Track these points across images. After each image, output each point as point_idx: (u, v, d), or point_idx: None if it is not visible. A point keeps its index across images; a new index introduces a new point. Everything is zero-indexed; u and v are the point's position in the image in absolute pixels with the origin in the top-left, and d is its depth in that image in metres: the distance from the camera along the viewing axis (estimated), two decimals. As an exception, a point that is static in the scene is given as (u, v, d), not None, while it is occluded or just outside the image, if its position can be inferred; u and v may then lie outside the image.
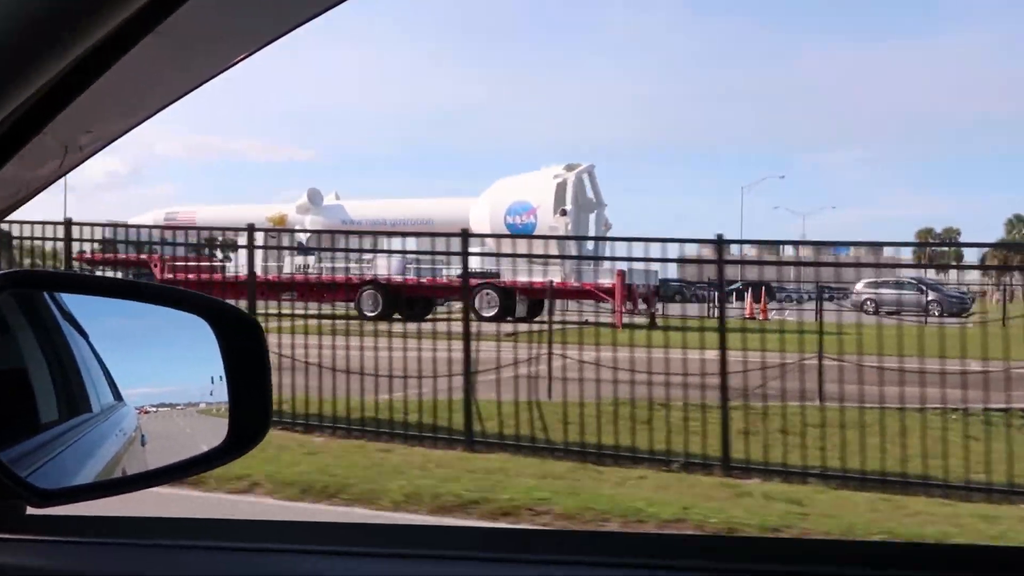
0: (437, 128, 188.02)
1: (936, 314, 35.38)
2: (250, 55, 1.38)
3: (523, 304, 25.70)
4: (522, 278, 24.84)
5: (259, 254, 25.54)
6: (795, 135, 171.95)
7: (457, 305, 26.98)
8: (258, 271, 25.63)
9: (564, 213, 28.28)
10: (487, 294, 25.87)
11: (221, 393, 1.41)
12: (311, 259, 24.33)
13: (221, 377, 1.41)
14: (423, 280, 26.54)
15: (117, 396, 1.40)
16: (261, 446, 1.45)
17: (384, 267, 25.76)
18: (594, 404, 9.14)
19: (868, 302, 34.01)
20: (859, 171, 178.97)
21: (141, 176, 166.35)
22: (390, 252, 25.95)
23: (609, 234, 27.90)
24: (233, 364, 1.40)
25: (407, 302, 26.04)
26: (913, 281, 43.04)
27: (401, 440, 9.59)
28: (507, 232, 25.43)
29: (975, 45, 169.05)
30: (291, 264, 24.10)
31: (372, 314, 24.16)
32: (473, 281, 26.75)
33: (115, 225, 14.99)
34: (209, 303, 1.42)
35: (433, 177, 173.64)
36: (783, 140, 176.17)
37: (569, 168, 29.33)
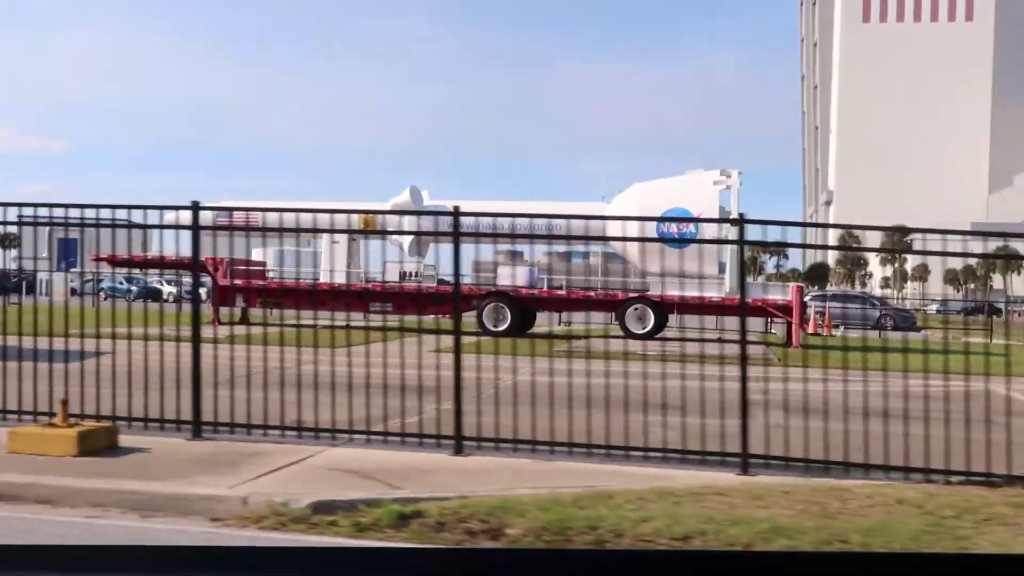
0: (197, 125, 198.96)
1: (888, 327, 33.91)
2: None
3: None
4: (677, 291, 23.82)
5: (341, 257, 24.64)
6: (549, 144, 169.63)
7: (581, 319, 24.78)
8: (339, 279, 24.51)
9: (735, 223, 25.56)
10: (636, 309, 24.37)
11: None
12: (419, 266, 23.15)
13: None
14: (559, 291, 25.37)
15: None
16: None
17: (513, 277, 24.89)
18: None
19: (817, 316, 31.16)
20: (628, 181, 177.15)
21: None
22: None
23: None
24: None
25: (528, 315, 25.38)
26: (863, 295, 40.39)
27: None
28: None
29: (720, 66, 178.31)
30: (392, 271, 22.86)
31: (498, 329, 23.47)
32: (620, 295, 24.94)
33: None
34: None
35: (222, 170, 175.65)
36: (539, 149, 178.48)
37: (724, 173, 27.09)
